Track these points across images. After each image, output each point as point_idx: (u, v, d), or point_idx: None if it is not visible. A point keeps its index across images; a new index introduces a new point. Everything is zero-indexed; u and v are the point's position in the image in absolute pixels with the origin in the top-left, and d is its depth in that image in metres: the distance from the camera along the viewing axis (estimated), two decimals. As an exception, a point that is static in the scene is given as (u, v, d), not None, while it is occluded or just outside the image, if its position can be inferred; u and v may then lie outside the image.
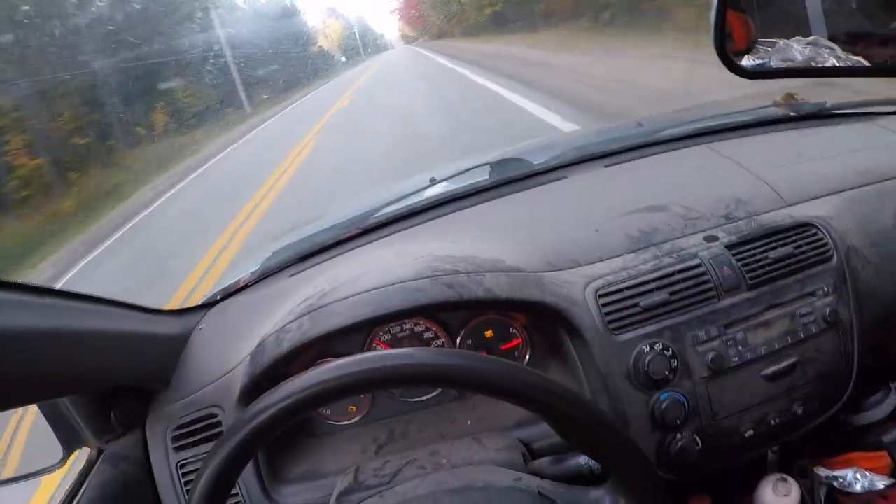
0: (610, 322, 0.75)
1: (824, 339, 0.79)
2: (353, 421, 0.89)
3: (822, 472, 0.90)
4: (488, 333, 0.89)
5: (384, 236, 1.00)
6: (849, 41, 0.88)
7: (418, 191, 1.10)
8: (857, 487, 0.88)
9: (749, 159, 0.99)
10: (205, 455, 0.72)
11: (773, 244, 0.80)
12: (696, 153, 1.07)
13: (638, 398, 0.74)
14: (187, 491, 0.78)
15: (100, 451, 0.77)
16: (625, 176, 1.04)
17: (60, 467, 0.78)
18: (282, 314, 0.82)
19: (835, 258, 0.81)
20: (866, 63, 0.87)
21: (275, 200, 5.86)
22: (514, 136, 4.96)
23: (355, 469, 0.76)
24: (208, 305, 0.97)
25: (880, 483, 0.87)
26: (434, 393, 0.89)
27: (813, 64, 0.87)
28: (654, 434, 0.75)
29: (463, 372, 0.47)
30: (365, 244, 0.99)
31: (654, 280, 0.77)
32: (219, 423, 0.78)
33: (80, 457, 0.79)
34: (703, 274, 0.77)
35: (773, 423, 0.78)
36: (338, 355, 0.84)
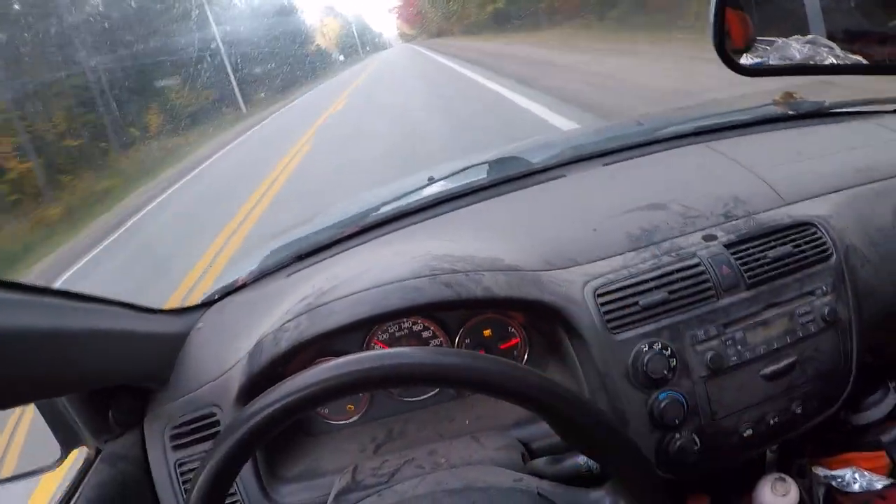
0: (609, 321, 0.75)
1: (823, 338, 0.79)
2: (351, 420, 0.89)
3: (821, 471, 0.90)
4: (487, 332, 0.89)
5: (382, 235, 1.00)
6: (847, 39, 0.89)
7: (417, 189, 1.10)
8: (856, 487, 0.88)
9: (748, 158, 0.99)
10: (203, 454, 0.72)
11: (772, 243, 0.80)
12: (694, 152, 1.07)
13: (637, 397, 0.74)
14: (185, 490, 0.77)
15: (98, 451, 0.77)
16: (624, 174, 1.04)
17: (58, 466, 0.78)
18: (280, 313, 0.81)
19: (833, 257, 0.81)
20: (864, 61, 0.88)
21: (272, 201, 5.86)
22: (515, 136, 4.93)
23: (353, 468, 0.75)
24: (206, 305, 0.96)
25: (879, 483, 0.87)
26: (432, 392, 0.89)
27: (811, 62, 0.88)
28: (652, 433, 0.74)
29: (461, 371, 0.47)
30: (363, 243, 0.99)
31: (652, 279, 0.76)
32: (217, 423, 0.78)
33: (79, 456, 0.78)
34: (701, 273, 0.77)
35: (771, 422, 0.77)
36: (336, 354, 0.83)
